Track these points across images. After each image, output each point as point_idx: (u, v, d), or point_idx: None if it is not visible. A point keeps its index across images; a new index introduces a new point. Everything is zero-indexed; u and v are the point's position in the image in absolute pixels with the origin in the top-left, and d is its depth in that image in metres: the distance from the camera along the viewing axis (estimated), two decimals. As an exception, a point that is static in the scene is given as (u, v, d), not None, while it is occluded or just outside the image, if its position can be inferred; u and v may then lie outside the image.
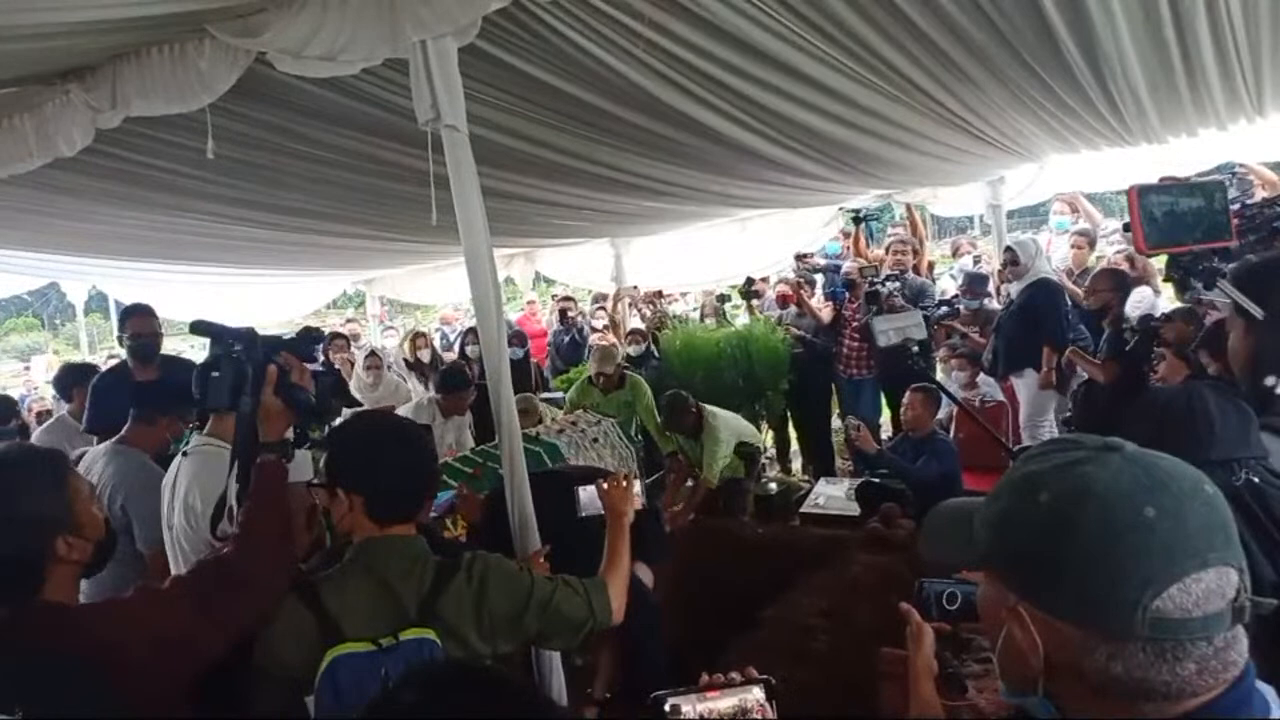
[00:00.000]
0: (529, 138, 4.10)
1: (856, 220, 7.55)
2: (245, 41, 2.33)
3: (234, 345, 2.04)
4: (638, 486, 2.46)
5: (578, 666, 3.44)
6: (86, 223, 5.18)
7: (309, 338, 2.21)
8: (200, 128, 2.80)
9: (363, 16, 2.31)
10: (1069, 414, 5.30)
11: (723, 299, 7.96)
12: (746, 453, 5.81)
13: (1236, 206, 3.91)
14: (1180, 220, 2.23)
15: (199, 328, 2.09)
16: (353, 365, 7.35)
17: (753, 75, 3.53)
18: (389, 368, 7.45)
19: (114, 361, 5.73)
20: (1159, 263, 6.74)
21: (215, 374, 2.05)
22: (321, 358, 5.77)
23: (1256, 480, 1.85)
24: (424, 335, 8.41)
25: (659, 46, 3.15)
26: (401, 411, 5.34)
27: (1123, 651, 0.81)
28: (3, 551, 1.54)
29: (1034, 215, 12.11)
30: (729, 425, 5.73)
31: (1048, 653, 0.86)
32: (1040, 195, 7.38)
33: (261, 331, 2.08)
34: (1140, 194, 2.21)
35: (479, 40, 2.87)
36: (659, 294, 8.49)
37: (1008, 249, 5.98)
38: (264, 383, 1.99)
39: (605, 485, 2.36)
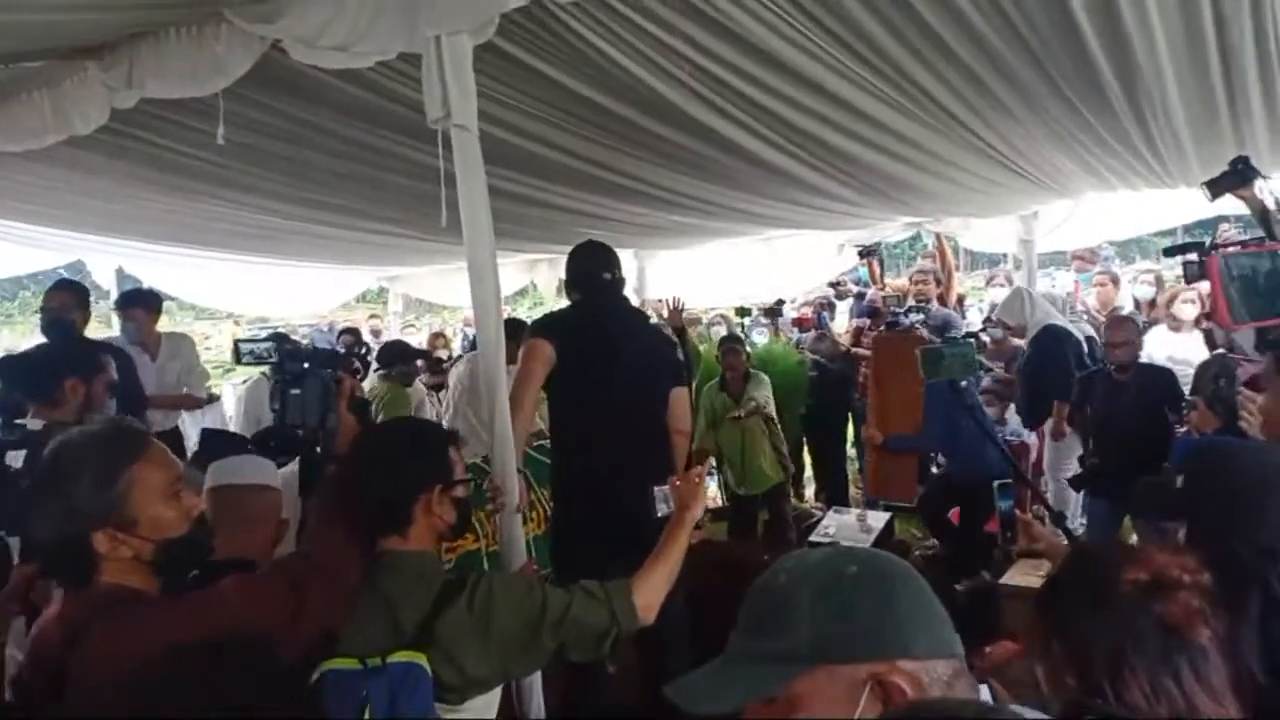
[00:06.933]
0: (556, 145, 4.08)
1: (861, 255, 7.55)
2: (260, 27, 2.29)
3: (310, 365, 2.16)
4: (711, 482, 2.36)
5: (610, 674, 3.32)
6: (115, 203, 5.20)
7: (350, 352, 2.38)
8: (232, 117, 2.79)
9: (380, 6, 2.26)
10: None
11: (743, 312, 7.91)
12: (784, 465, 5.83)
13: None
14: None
15: (282, 345, 2.20)
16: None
17: (782, 93, 3.47)
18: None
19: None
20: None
21: (295, 391, 2.12)
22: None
23: None
24: (443, 335, 8.46)
25: (702, 69, 3.12)
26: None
27: (950, 667, 0.88)
28: (43, 543, 1.48)
29: (1054, 260, 11.64)
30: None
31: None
32: (1073, 240, 7.23)
33: (286, 324, 2.12)
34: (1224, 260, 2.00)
35: (511, 45, 2.84)
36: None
37: (996, 321, 5.85)
38: (339, 398, 2.13)
39: (678, 481, 2.26)
